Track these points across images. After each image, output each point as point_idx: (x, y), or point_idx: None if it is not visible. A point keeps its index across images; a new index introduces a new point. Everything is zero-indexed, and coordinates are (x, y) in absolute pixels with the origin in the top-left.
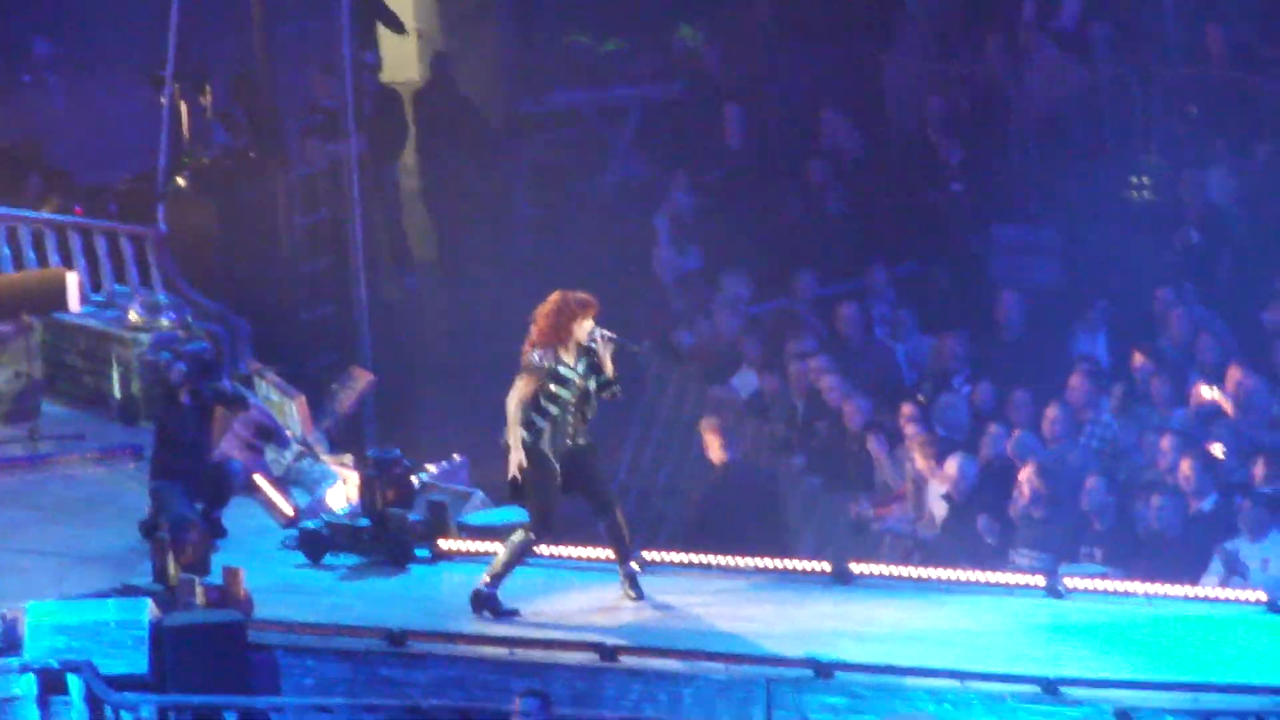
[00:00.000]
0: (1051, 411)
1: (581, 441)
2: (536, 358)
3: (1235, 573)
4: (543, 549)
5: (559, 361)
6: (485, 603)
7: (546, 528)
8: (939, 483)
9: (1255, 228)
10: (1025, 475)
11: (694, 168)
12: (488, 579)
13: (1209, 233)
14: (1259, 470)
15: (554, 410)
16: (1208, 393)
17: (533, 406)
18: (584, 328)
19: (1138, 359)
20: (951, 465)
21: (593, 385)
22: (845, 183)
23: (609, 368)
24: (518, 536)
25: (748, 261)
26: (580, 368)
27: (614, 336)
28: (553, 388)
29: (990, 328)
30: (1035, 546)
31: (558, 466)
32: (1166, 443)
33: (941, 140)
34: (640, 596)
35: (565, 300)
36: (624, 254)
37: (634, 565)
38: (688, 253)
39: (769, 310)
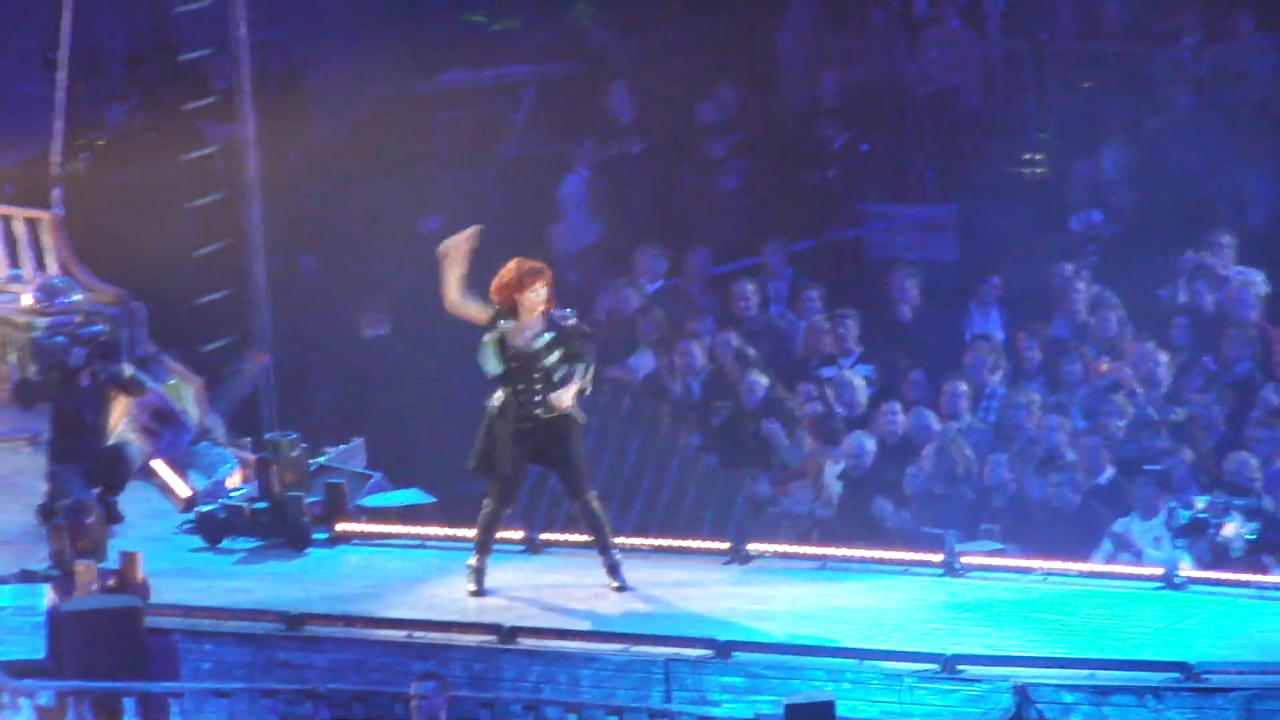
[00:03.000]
0: (949, 389)
1: (546, 414)
2: (495, 326)
3: (1124, 550)
4: (439, 531)
5: (507, 319)
6: (471, 577)
7: (508, 496)
8: (836, 461)
9: (1146, 201)
10: (926, 452)
11: (592, 144)
12: (473, 556)
13: (1104, 208)
14: (1162, 442)
15: (504, 366)
16: (1107, 368)
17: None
18: (534, 296)
19: (1021, 337)
20: (849, 444)
21: (552, 360)
22: (740, 159)
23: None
24: (483, 508)
25: (646, 239)
26: (543, 339)
27: (570, 313)
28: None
29: (884, 306)
30: (933, 524)
31: (515, 435)
32: (1052, 420)
33: (826, 120)
34: (625, 587)
35: (516, 268)
36: (519, 232)
37: (616, 554)
38: (587, 228)
39: (665, 289)
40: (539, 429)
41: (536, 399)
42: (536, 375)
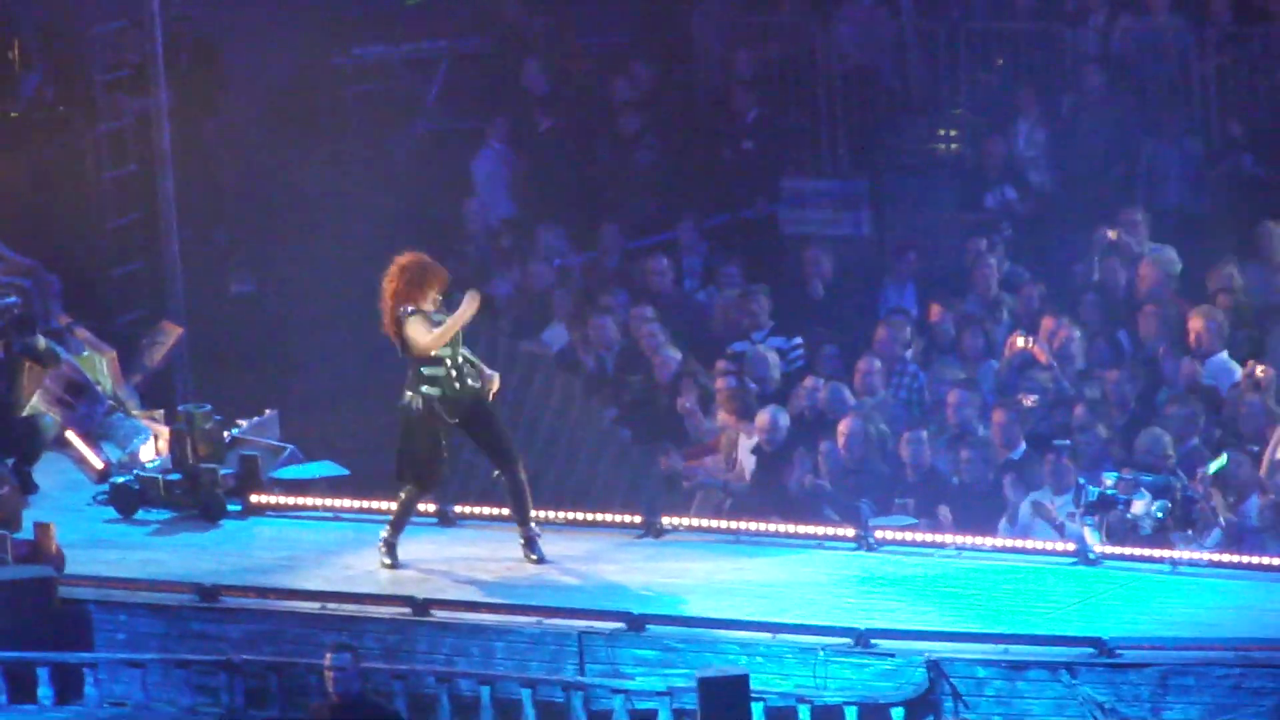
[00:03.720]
0: (864, 364)
1: (473, 383)
2: (406, 311)
3: (1044, 518)
4: (352, 503)
5: (432, 309)
6: (384, 550)
7: (429, 483)
8: (749, 435)
9: (1060, 178)
10: (842, 428)
11: (507, 119)
12: (386, 530)
13: (1018, 185)
14: (1076, 418)
15: (445, 352)
16: (1022, 343)
17: (423, 361)
18: (436, 296)
19: (935, 312)
20: (763, 418)
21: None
22: (654, 135)
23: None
24: (406, 490)
25: (560, 213)
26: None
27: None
28: None
29: (798, 281)
30: (847, 499)
31: (450, 416)
32: (955, 396)
33: (740, 95)
34: (541, 560)
35: (422, 263)
36: (432, 206)
37: (534, 527)
38: (501, 203)
39: (579, 263)
40: (467, 405)
41: (465, 373)
42: (461, 354)
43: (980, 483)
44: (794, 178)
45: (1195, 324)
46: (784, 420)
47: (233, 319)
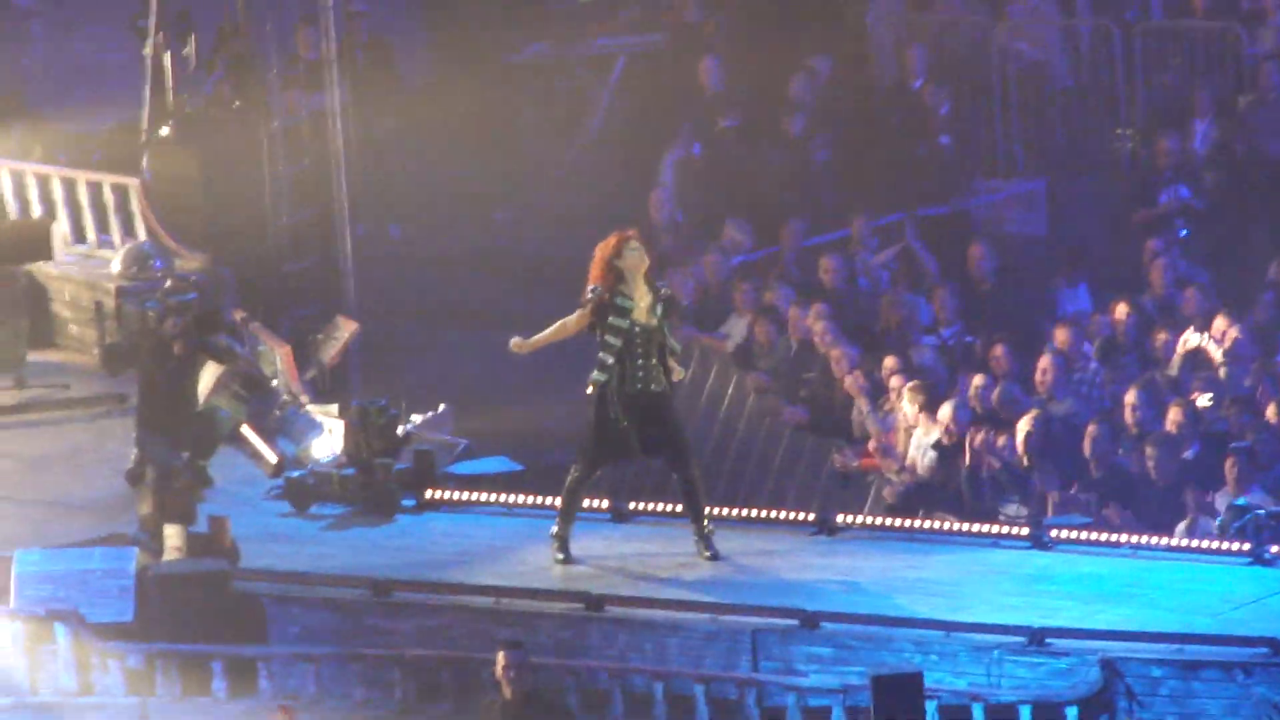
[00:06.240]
0: (1044, 362)
1: (655, 388)
2: (589, 291)
3: (1209, 519)
4: (526, 499)
5: (616, 294)
6: (556, 546)
7: (589, 465)
8: (928, 431)
9: (1235, 177)
10: (1022, 424)
11: (686, 118)
12: (557, 524)
13: (1192, 184)
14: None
15: (615, 343)
16: (1195, 342)
17: (599, 344)
18: (630, 257)
19: (1119, 311)
20: (946, 411)
21: (656, 317)
22: (832, 132)
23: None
24: (569, 474)
25: (741, 211)
26: (647, 302)
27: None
28: (610, 319)
29: (974, 279)
30: (1025, 495)
31: (619, 410)
32: (1133, 396)
33: (928, 91)
34: (716, 556)
35: (606, 239)
36: (607, 202)
37: (708, 525)
38: (684, 198)
39: (758, 259)
40: (644, 404)
41: (651, 373)
42: (653, 348)
43: (1162, 480)
44: (977, 175)
45: None
46: (965, 415)
47: (407, 315)
